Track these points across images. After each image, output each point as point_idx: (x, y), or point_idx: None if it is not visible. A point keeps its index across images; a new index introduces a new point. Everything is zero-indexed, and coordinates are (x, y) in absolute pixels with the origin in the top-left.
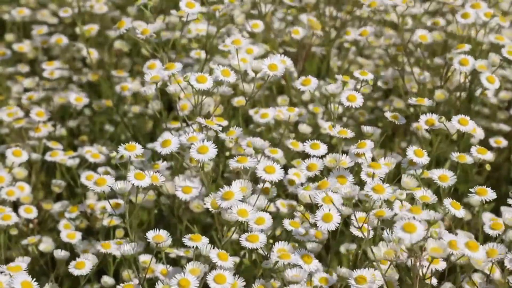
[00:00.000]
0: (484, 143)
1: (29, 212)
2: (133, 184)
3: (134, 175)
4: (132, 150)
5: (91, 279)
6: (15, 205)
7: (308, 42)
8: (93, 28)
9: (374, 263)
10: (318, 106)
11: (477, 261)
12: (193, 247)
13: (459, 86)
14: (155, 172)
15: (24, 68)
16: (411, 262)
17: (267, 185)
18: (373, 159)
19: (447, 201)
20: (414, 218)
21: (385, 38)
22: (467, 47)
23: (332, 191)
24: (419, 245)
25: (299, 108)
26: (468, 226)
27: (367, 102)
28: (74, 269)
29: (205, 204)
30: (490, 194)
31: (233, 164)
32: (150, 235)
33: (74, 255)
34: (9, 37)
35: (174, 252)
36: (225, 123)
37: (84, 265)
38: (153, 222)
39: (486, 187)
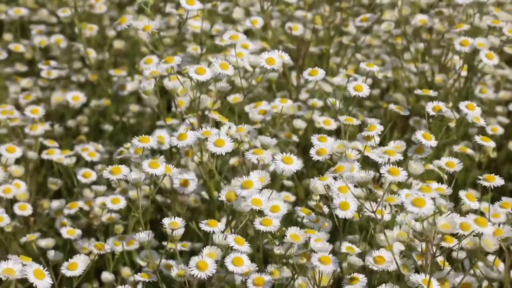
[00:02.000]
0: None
1: (24, 210)
2: (147, 173)
3: (149, 164)
4: (146, 142)
5: (90, 276)
6: (12, 203)
7: (308, 39)
8: (92, 28)
9: (387, 246)
10: (316, 102)
11: (487, 243)
12: (210, 232)
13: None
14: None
15: (22, 67)
16: (423, 246)
17: (262, 175)
18: None
19: (462, 193)
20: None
21: (386, 24)
22: (466, 26)
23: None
24: (430, 224)
25: (297, 103)
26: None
27: (366, 101)
28: (66, 270)
29: (220, 196)
30: (498, 181)
31: (249, 156)
32: (166, 221)
33: (74, 252)
34: (7, 36)
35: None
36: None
37: (76, 266)
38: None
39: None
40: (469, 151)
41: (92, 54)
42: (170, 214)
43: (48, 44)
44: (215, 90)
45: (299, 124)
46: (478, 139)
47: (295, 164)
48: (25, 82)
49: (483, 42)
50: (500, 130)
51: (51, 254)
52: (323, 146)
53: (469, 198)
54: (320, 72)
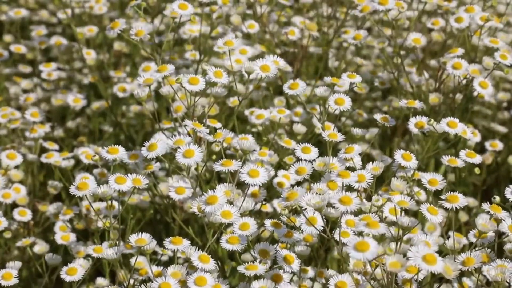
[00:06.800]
0: (482, 144)
1: (23, 215)
2: (113, 189)
3: (115, 179)
4: (115, 153)
5: (87, 280)
6: (12, 207)
7: (304, 43)
8: (92, 29)
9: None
10: (315, 107)
11: (447, 269)
12: (174, 250)
13: (455, 88)
14: (140, 175)
15: (25, 69)
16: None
17: (256, 188)
18: (370, 159)
19: (424, 207)
20: (370, 234)
21: (378, 42)
22: (460, 51)
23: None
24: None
25: (296, 108)
26: (466, 227)
27: (366, 101)
28: (66, 275)
29: (191, 208)
30: (461, 201)
31: (217, 168)
32: (133, 238)
33: (70, 257)
34: (7, 38)
35: (168, 254)
36: (218, 125)
37: (76, 271)
38: (152, 222)
39: (484, 187)
40: (459, 162)
41: (92, 55)
42: (166, 217)
43: (48, 45)
44: (211, 96)
45: (298, 128)
46: (463, 155)
47: (262, 177)
48: (25, 83)
49: (477, 69)
50: (499, 146)
51: (49, 257)
52: (302, 166)
53: (431, 212)
54: (301, 85)
